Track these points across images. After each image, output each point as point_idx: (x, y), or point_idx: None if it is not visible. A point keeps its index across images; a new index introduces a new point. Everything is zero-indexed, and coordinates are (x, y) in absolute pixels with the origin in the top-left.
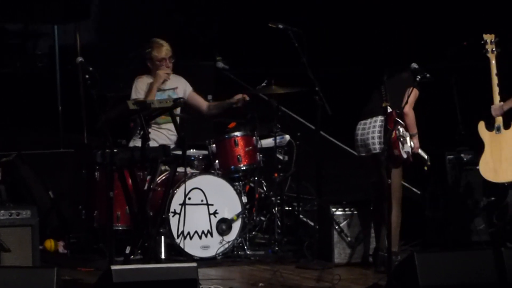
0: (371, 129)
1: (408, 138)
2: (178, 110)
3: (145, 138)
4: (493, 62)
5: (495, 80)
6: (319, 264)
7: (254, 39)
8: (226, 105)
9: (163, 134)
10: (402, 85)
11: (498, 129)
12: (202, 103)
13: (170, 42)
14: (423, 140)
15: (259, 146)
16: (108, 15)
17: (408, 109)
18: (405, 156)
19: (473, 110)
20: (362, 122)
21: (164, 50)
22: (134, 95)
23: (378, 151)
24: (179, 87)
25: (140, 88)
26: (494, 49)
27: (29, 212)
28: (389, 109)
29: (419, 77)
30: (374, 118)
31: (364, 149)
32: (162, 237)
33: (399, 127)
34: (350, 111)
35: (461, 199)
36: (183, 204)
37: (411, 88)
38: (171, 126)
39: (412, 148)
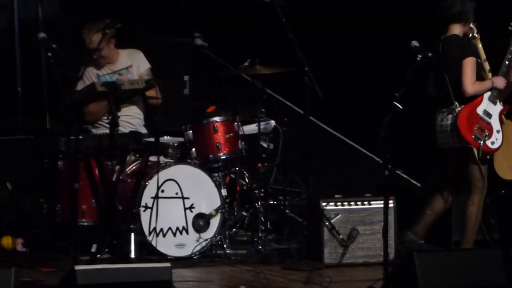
0: (448, 121)
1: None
2: None
3: (114, 124)
4: None
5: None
6: (307, 264)
7: (236, 13)
8: None
9: (121, 121)
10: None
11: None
12: None
13: (142, 16)
14: (424, 127)
15: (241, 132)
16: None
17: (470, 88)
18: (493, 146)
19: None
20: (441, 111)
21: (91, 38)
22: (79, 87)
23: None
24: (134, 64)
25: (87, 80)
26: None
27: None
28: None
29: (420, 56)
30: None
31: (443, 140)
32: (132, 234)
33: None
34: (344, 94)
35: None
36: (156, 197)
37: (463, 61)
38: (130, 110)
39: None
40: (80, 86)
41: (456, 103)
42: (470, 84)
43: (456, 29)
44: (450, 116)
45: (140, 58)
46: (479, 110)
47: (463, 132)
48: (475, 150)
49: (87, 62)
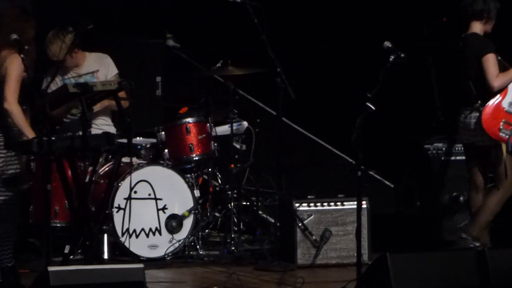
0: (471, 120)
1: None
2: None
3: (86, 125)
4: None
5: None
6: (280, 265)
7: (208, 14)
8: None
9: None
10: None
11: None
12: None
13: (114, 16)
14: (398, 128)
15: (213, 133)
16: None
17: (495, 82)
18: None
19: (452, 94)
20: (464, 109)
21: (53, 51)
22: (45, 86)
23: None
24: (101, 69)
25: (53, 84)
26: None
27: None
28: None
29: (393, 57)
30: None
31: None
32: (105, 235)
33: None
34: (316, 95)
35: (439, 193)
36: (128, 198)
37: (482, 58)
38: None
39: None
40: (49, 84)
41: (480, 101)
42: (494, 77)
43: (477, 27)
44: (473, 114)
45: (108, 63)
46: (505, 104)
47: (489, 131)
48: (503, 146)
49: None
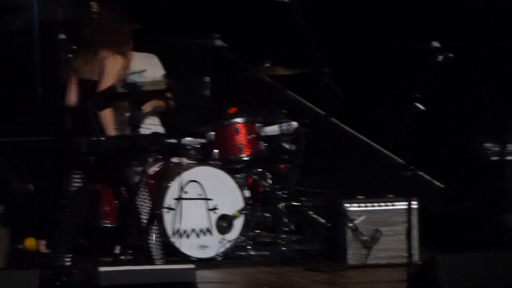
0: None
1: None
2: None
3: (135, 125)
4: None
5: None
6: (330, 266)
7: (256, 13)
8: None
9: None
10: None
11: None
12: None
13: (162, 17)
14: (447, 127)
15: (262, 134)
16: None
17: None
18: None
19: (501, 93)
20: None
21: None
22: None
23: None
24: (148, 70)
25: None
26: None
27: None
28: None
29: (441, 57)
30: None
31: None
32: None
33: None
34: (365, 94)
35: (490, 193)
36: (179, 198)
37: None
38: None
39: None
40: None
41: None
42: None
43: None
44: None
45: (155, 64)
46: None
47: None
48: None
49: None
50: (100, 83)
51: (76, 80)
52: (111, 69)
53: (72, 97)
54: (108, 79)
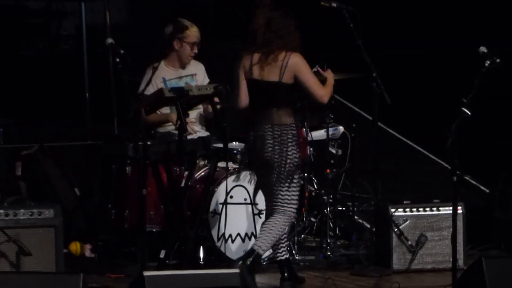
0: None
1: None
2: None
3: (183, 129)
4: None
5: None
6: (375, 270)
7: (305, 19)
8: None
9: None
10: None
11: None
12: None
13: (208, 21)
14: (493, 132)
15: (309, 138)
16: None
17: None
18: None
19: None
20: None
21: (194, 33)
22: (143, 90)
23: None
24: (198, 74)
25: (152, 83)
26: None
27: (52, 211)
28: None
29: (488, 62)
30: None
31: None
32: (201, 240)
33: None
34: (412, 99)
35: None
36: (225, 203)
37: None
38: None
39: None
40: (146, 88)
41: None
42: None
43: None
44: None
45: (202, 70)
46: None
47: None
48: None
49: (155, 64)
50: (307, 80)
51: (248, 80)
52: (304, 68)
53: (243, 98)
54: (309, 78)
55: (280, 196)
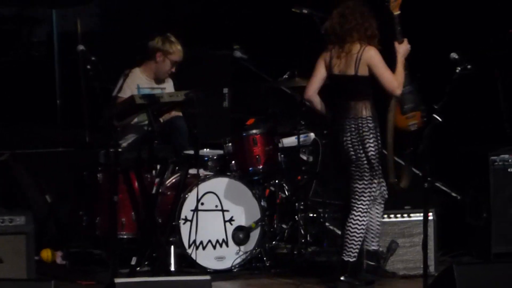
0: None
1: None
2: None
3: (153, 136)
4: None
5: None
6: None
7: (276, 25)
8: None
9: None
10: None
11: None
12: None
13: (181, 27)
14: (464, 139)
15: (280, 145)
16: None
17: None
18: None
19: None
20: None
21: (179, 52)
22: (117, 93)
23: None
24: (168, 89)
25: (127, 87)
26: None
27: (24, 218)
28: None
29: (459, 68)
30: None
31: None
32: (172, 246)
33: None
34: (383, 106)
35: (507, 204)
36: (196, 210)
37: None
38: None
39: None
40: (119, 92)
41: None
42: None
43: None
44: None
45: (171, 87)
46: None
47: None
48: None
49: (129, 70)
50: (380, 74)
51: (328, 76)
52: (377, 60)
53: (310, 89)
54: (383, 70)
55: (355, 190)
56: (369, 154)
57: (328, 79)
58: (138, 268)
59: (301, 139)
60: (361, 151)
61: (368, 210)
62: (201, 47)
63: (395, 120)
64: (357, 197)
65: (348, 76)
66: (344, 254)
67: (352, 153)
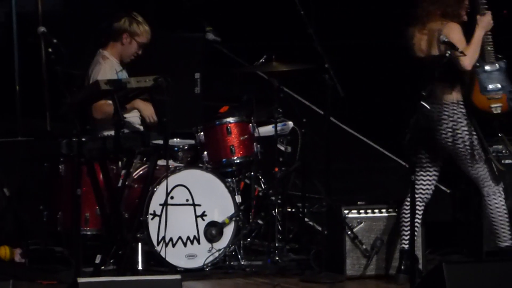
0: None
1: None
2: None
3: (120, 125)
4: None
5: None
6: (328, 277)
7: (251, 5)
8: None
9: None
10: None
11: None
12: None
13: (148, 8)
14: None
15: (256, 134)
16: None
17: None
18: None
19: None
20: None
21: (146, 34)
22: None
23: None
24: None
25: (109, 73)
26: None
27: None
28: None
29: (449, 52)
30: None
31: None
32: (140, 243)
33: None
34: (367, 92)
35: None
36: (165, 204)
37: None
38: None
39: None
40: (98, 71)
41: None
42: None
43: None
44: None
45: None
46: None
47: None
48: None
49: (102, 53)
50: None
51: (414, 58)
52: (454, 35)
53: None
54: (458, 42)
55: (477, 177)
56: (463, 140)
57: (415, 62)
58: (103, 267)
59: (279, 128)
60: (457, 139)
61: (499, 190)
62: (170, 28)
63: (473, 100)
64: (482, 182)
65: (433, 56)
66: (498, 241)
67: (449, 142)
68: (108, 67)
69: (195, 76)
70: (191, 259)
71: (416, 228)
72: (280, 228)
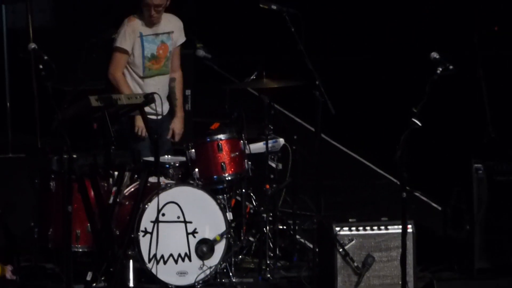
0: None
1: None
2: None
3: (110, 141)
4: None
5: None
6: None
7: (242, 22)
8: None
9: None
10: None
11: None
12: (173, 68)
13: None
14: (445, 145)
15: (247, 151)
16: None
17: None
18: None
19: (505, 108)
20: None
21: None
22: (119, 43)
23: None
24: (175, 32)
25: (128, 37)
26: None
27: None
28: None
29: (440, 69)
30: None
31: None
32: (131, 260)
33: None
34: (358, 109)
35: (491, 216)
36: (156, 221)
37: None
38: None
39: None
40: (123, 43)
41: None
42: None
43: None
44: None
45: (180, 28)
46: None
47: None
48: None
49: (128, 18)
50: None
51: None
52: None
53: None
54: None
55: None
56: None
57: None
58: (94, 284)
59: (270, 145)
60: None
61: None
62: None
63: None
64: None
65: None
66: None
67: None
68: (129, 30)
69: (186, 93)
70: (182, 276)
71: None
72: (271, 245)
